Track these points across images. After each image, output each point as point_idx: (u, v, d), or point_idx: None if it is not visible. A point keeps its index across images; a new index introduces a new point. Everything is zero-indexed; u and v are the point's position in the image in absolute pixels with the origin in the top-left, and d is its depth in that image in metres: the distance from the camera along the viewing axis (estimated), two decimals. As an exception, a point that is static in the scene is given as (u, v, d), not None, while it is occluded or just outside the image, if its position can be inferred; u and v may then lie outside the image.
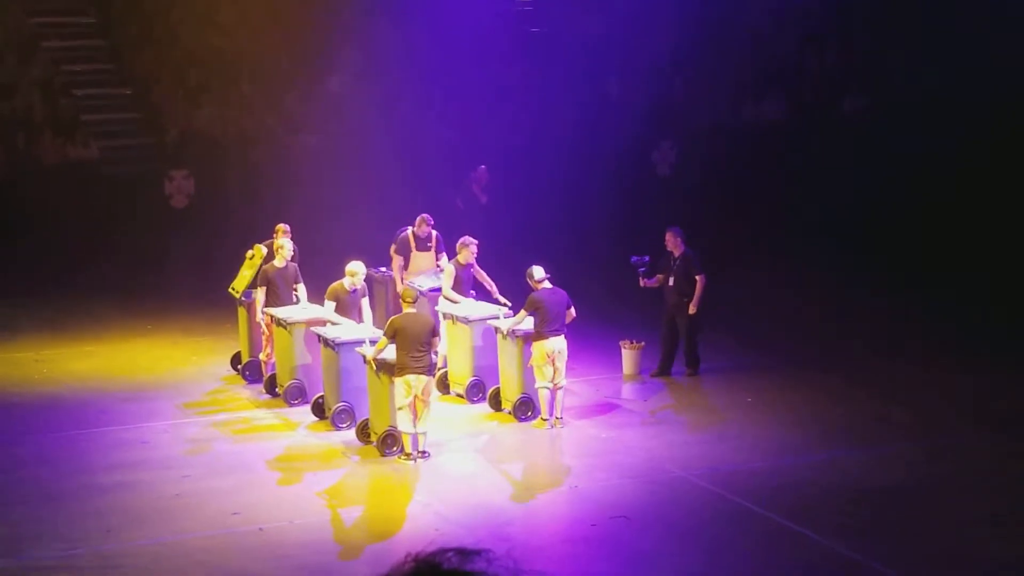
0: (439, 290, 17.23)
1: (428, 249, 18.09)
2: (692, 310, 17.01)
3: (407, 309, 14.61)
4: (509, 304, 16.44)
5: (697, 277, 17.04)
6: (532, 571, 3.83)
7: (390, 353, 14.38)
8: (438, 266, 17.78)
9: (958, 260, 23.17)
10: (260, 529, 12.74)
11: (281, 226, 17.29)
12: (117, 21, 27.72)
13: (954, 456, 14.57)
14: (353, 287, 16.07)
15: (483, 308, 16.70)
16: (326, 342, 15.49)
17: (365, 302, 16.26)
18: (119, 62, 27.25)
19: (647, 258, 17.28)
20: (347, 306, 16.05)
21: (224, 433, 15.69)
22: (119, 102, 26.87)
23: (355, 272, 16.08)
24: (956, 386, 17.01)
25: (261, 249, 17.28)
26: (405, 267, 18.09)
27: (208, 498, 13.56)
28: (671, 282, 17.16)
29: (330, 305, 16.04)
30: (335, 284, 16.14)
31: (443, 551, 3.78)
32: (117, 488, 13.85)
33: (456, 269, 17.03)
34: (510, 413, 15.90)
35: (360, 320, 16.08)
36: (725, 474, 13.96)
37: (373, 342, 14.89)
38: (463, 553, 3.78)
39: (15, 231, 23.91)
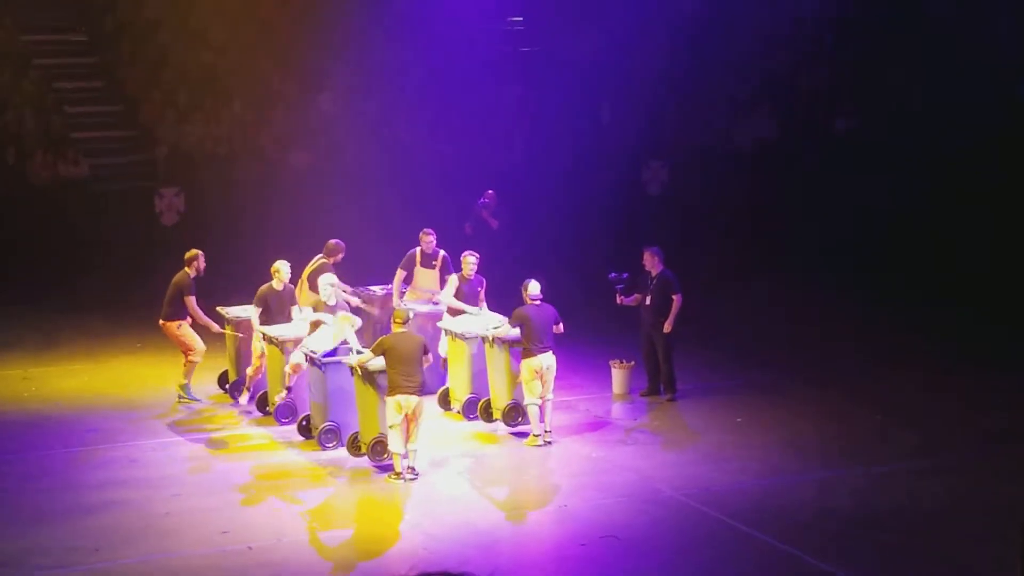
0: (433, 315, 17.27)
1: (433, 267, 18.04)
2: (667, 328, 16.99)
3: (397, 330, 14.59)
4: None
5: (674, 297, 17.02)
6: None
7: (375, 364, 14.39)
8: (433, 299, 17.72)
9: (954, 277, 23.20)
10: (249, 548, 12.70)
11: (196, 251, 17.56)
12: (108, 39, 27.73)
13: (950, 475, 14.53)
14: (282, 285, 16.54)
15: (482, 322, 16.69)
16: (312, 361, 15.46)
17: (295, 310, 16.62)
18: (110, 80, 27.26)
19: (625, 275, 17.30)
20: (274, 309, 16.55)
21: (213, 452, 15.65)
22: (110, 120, 26.88)
23: (279, 270, 16.58)
24: (953, 403, 17.01)
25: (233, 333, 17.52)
26: (407, 282, 18.05)
27: (197, 517, 13.52)
28: (648, 301, 17.17)
29: (255, 311, 16.56)
30: (262, 288, 16.66)
31: (426, 575, 3.77)
32: (106, 506, 13.80)
33: (459, 281, 17.29)
34: (499, 421, 15.95)
35: (289, 319, 16.49)
36: (716, 494, 13.93)
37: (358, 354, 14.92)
38: None
39: (4, 248, 23.87)
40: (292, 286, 17.03)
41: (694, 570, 12.40)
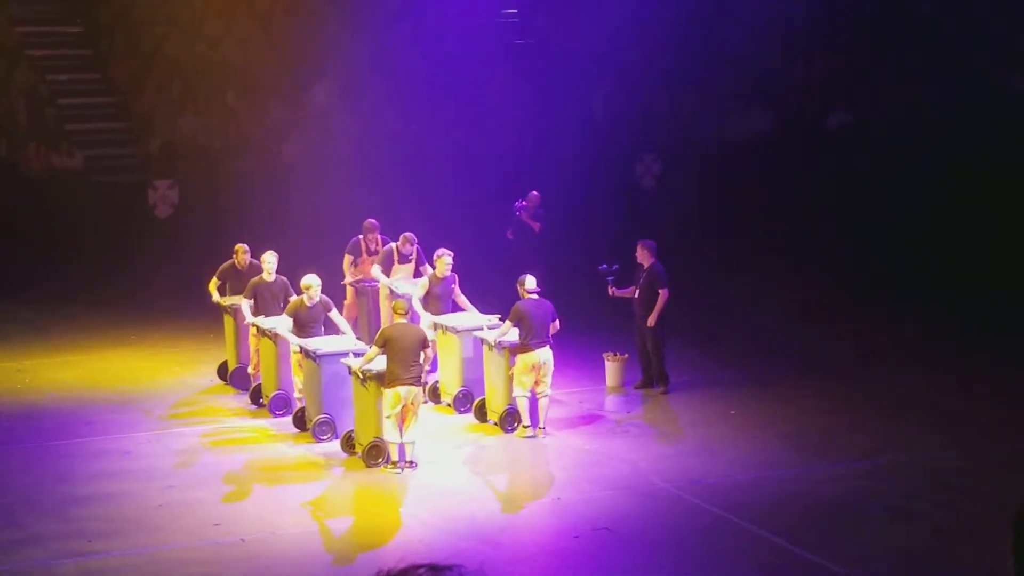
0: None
1: (409, 261, 18.14)
2: (650, 322, 17.00)
3: (398, 320, 14.58)
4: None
5: (660, 291, 17.02)
6: None
7: (377, 364, 14.35)
8: (419, 271, 17.81)
9: (946, 273, 23.22)
10: (242, 540, 12.71)
11: (240, 246, 17.55)
12: (103, 31, 27.68)
13: (943, 468, 14.54)
14: (312, 302, 15.74)
15: (470, 318, 16.70)
16: (307, 353, 15.43)
17: (335, 314, 15.95)
18: (104, 71, 27.21)
19: (615, 266, 17.31)
20: (305, 322, 15.71)
21: (207, 444, 15.65)
22: (104, 111, 26.83)
23: (309, 286, 15.68)
24: (942, 399, 17.02)
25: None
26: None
27: (191, 509, 13.53)
28: (637, 294, 17.20)
29: (287, 321, 15.78)
30: (295, 300, 15.90)
31: (414, 567, 3.78)
32: (99, 498, 13.81)
33: (430, 283, 17.02)
34: (496, 424, 15.90)
35: (282, 312, 16.07)
36: (709, 487, 13.95)
37: (357, 354, 14.88)
38: (435, 569, 3.79)
39: (-2, 240, 23.88)
40: (284, 277, 16.93)
41: (687, 562, 12.43)
